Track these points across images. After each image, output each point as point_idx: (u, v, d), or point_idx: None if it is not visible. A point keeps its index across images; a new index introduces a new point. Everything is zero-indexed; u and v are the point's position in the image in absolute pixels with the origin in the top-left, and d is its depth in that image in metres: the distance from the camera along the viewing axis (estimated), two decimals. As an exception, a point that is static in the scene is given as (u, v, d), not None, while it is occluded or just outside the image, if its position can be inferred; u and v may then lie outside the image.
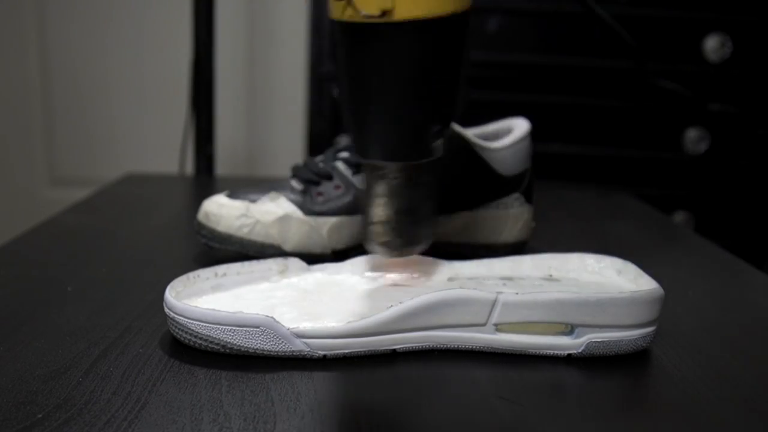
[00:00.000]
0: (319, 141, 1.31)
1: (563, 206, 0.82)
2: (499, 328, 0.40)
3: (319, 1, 1.24)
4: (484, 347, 0.40)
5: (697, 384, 0.38)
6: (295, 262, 0.47)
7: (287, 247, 0.54)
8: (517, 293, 0.39)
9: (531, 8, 1.08)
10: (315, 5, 1.24)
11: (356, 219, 0.54)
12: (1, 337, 0.40)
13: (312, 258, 0.53)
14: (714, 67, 1.07)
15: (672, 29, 1.07)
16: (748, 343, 0.44)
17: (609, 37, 1.05)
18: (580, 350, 0.40)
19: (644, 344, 0.41)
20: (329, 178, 0.56)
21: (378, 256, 0.46)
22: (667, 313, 0.47)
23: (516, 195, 0.58)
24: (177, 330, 0.39)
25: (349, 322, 0.38)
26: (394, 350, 0.39)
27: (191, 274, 0.43)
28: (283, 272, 0.46)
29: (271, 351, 0.38)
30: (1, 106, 1.46)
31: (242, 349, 0.38)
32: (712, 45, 1.07)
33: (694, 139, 1.09)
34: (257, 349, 0.38)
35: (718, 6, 1.07)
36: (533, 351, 0.40)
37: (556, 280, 0.45)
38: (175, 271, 0.44)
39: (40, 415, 0.32)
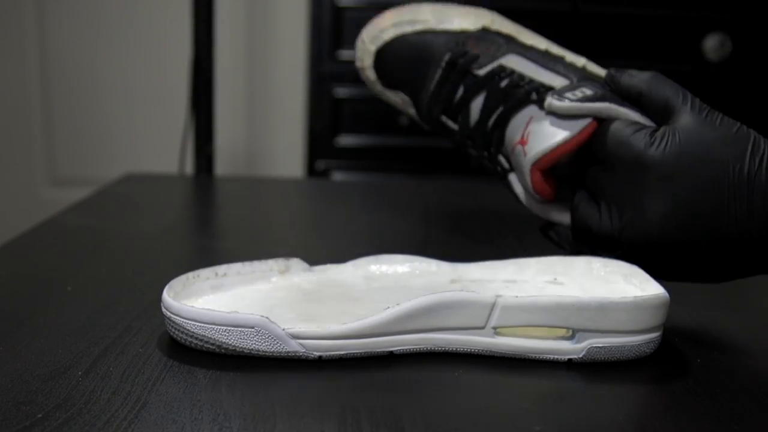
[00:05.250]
0: (318, 141, 1.31)
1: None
2: (498, 331, 0.39)
3: (319, 1, 1.24)
4: (482, 351, 0.40)
5: (701, 393, 0.38)
6: (297, 263, 0.46)
7: None
8: (516, 296, 0.39)
9: (530, 7, 1.08)
10: (315, 5, 1.24)
11: None
12: (1, 336, 0.40)
13: None
14: (714, 66, 1.07)
15: (672, 29, 1.07)
16: (756, 348, 0.44)
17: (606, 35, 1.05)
18: (580, 355, 0.39)
19: (648, 350, 0.40)
20: None
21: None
22: (671, 318, 0.47)
23: None
24: (173, 330, 0.39)
25: (345, 323, 0.38)
26: (391, 352, 0.39)
27: (191, 274, 0.43)
28: (284, 272, 0.46)
29: (266, 352, 0.38)
30: (1, 106, 1.46)
31: (237, 349, 0.38)
32: (712, 45, 1.07)
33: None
34: (252, 349, 0.38)
35: (717, 6, 1.07)
36: (533, 355, 0.40)
37: (561, 284, 0.44)
38: (175, 271, 0.44)
39: (39, 415, 0.32)
